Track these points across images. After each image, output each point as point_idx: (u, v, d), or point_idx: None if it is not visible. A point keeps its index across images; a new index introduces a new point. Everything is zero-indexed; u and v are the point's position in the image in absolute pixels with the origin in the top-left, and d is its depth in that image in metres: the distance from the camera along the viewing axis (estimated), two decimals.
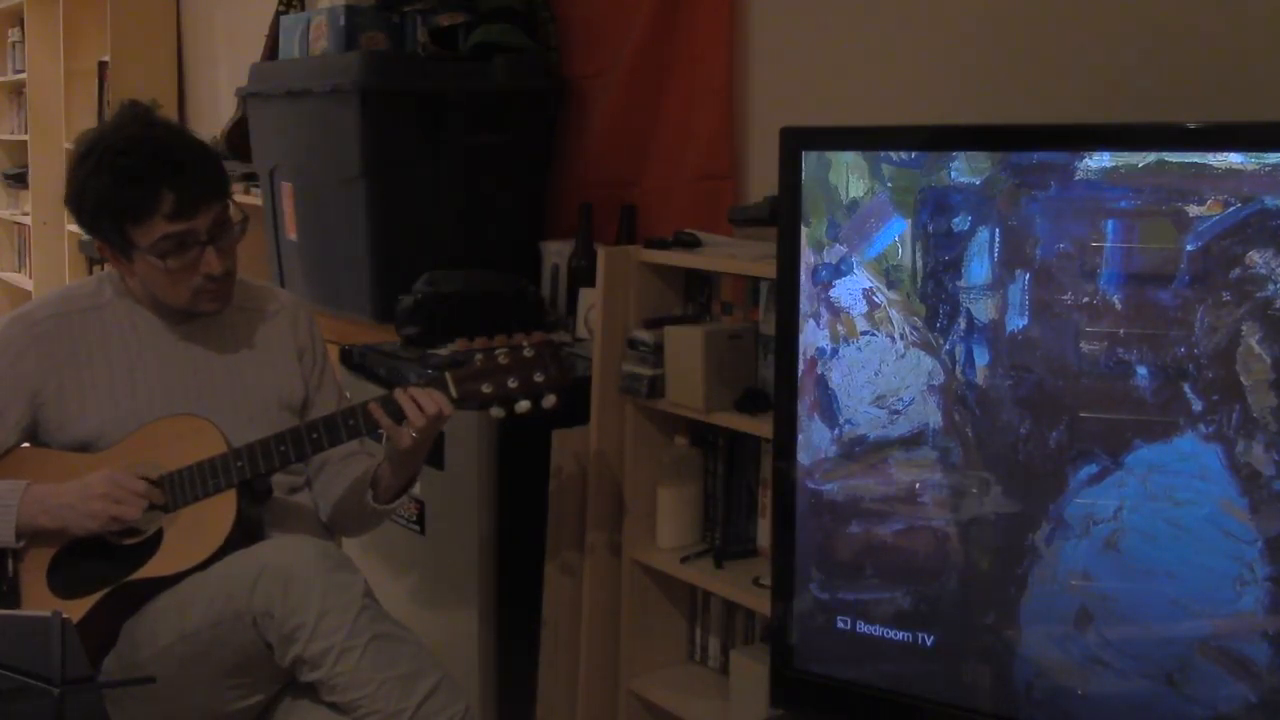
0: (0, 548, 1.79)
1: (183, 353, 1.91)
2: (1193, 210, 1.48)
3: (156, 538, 1.79)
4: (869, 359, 1.72)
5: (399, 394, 1.81)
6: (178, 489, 1.80)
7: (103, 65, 5.26)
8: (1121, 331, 1.54)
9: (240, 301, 1.98)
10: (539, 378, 1.83)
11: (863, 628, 1.77)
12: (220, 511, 1.79)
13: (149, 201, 1.77)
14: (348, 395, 2.12)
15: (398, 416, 1.81)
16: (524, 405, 1.83)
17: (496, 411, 1.84)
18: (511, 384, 1.83)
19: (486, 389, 1.83)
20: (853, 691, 1.79)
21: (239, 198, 3.75)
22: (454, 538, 2.50)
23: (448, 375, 1.83)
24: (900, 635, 1.75)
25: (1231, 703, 1.52)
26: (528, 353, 1.84)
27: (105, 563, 1.78)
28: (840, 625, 1.79)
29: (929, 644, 1.73)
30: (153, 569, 1.77)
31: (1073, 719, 1.63)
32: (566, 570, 2.46)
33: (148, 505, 1.78)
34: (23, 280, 6.26)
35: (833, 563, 1.79)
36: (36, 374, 1.85)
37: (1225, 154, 1.46)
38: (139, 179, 1.77)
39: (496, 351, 1.84)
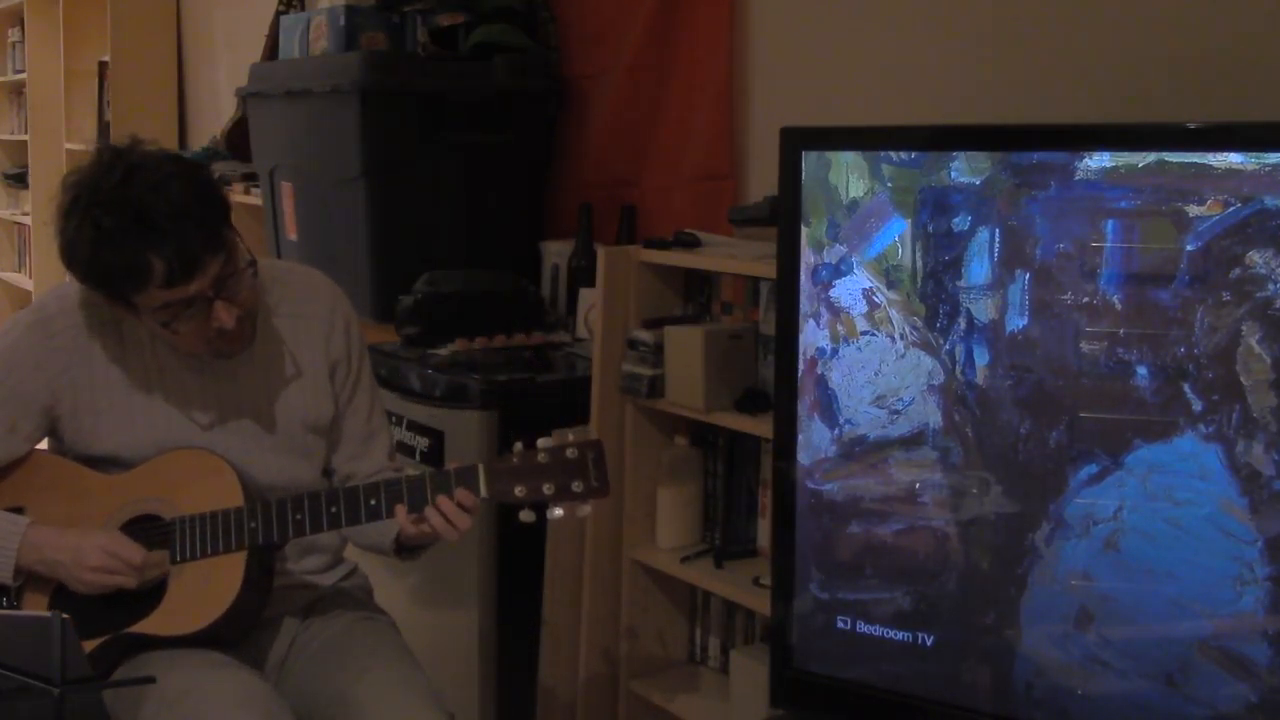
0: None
1: (206, 374, 1.82)
2: (1193, 210, 1.48)
3: (161, 587, 1.74)
4: (869, 359, 1.72)
5: (429, 510, 1.71)
6: (187, 539, 1.74)
7: (103, 65, 5.25)
8: (1121, 331, 1.54)
9: (275, 305, 1.87)
10: (577, 486, 1.69)
11: (863, 628, 1.77)
12: (227, 576, 1.72)
13: (139, 272, 1.62)
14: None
15: (422, 516, 1.73)
16: (557, 513, 1.71)
17: (526, 515, 1.71)
18: (547, 489, 1.69)
19: (519, 491, 1.70)
20: (853, 691, 1.79)
21: (238, 198, 3.77)
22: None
23: (480, 469, 1.72)
24: (900, 635, 1.75)
25: (1231, 703, 1.52)
26: (570, 454, 1.70)
27: (106, 603, 1.72)
28: (840, 625, 1.79)
29: (929, 644, 1.73)
30: (151, 625, 1.72)
31: (1072, 719, 1.63)
32: (566, 570, 2.46)
33: (145, 575, 1.72)
34: (23, 280, 6.25)
35: (833, 563, 1.79)
36: (51, 389, 1.78)
37: (1225, 154, 1.46)
38: (123, 247, 1.61)
39: (539, 450, 1.71)
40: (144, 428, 1.80)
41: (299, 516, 1.73)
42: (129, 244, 1.61)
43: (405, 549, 1.87)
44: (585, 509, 1.73)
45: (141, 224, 1.61)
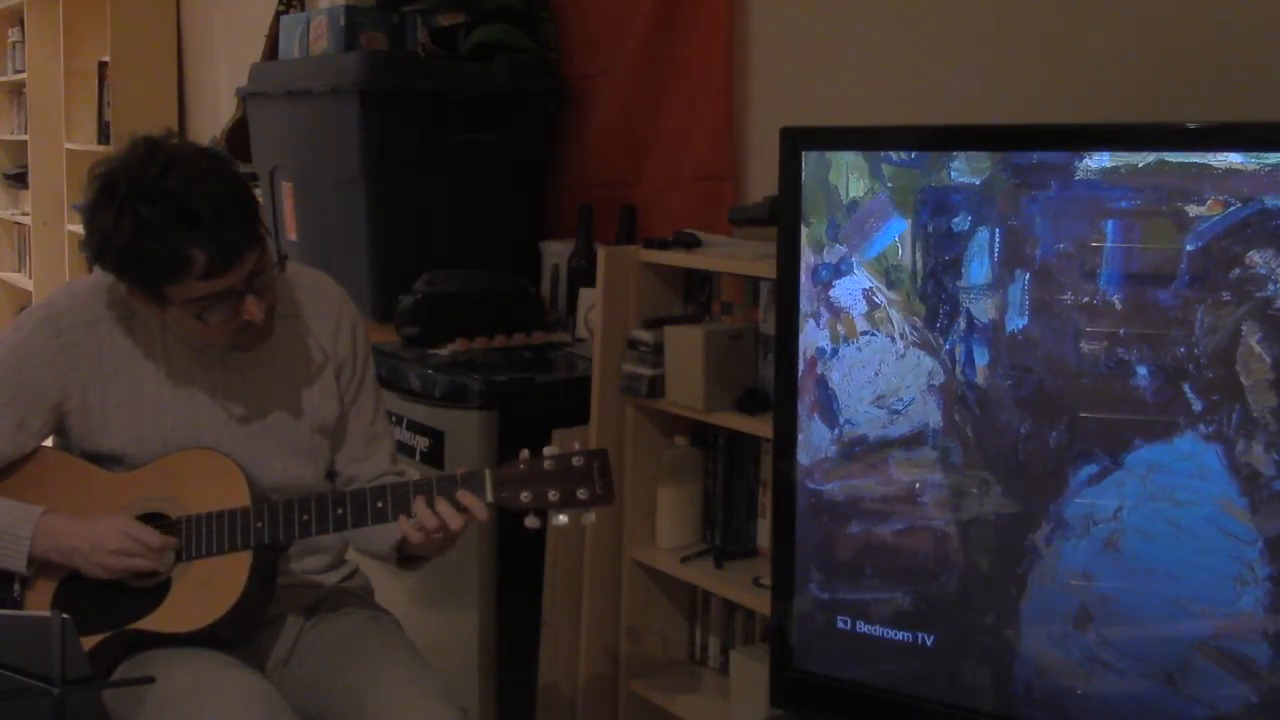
0: (10, 572, 1.76)
1: (215, 373, 1.83)
2: (1193, 210, 1.48)
3: (165, 585, 1.74)
4: (869, 359, 1.72)
5: (421, 506, 1.71)
6: (194, 537, 1.74)
7: (103, 65, 5.25)
8: (1121, 331, 1.54)
9: (283, 305, 1.86)
10: (582, 494, 1.71)
11: (863, 627, 1.77)
12: (232, 574, 1.73)
13: (178, 264, 1.63)
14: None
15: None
16: (561, 520, 1.73)
17: (531, 522, 1.72)
18: (552, 496, 1.71)
19: (525, 497, 1.71)
20: (853, 691, 1.79)
21: None
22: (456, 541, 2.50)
23: (487, 475, 1.73)
24: (900, 635, 1.75)
25: (1231, 703, 1.52)
26: (576, 462, 1.72)
27: (110, 600, 1.73)
28: (840, 625, 1.79)
29: (929, 644, 1.73)
30: (155, 622, 1.72)
31: (1072, 719, 1.63)
32: (566, 570, 2.46)
33: (162, 559, 1.73)
34: (22, 280, 6.25)
35: (833, 563, 1.79)
36: (61, 385, 1.78)
37: (1225, 154, 1.46)
38: (164, 239, 1.62)
39: (545, 456, 1.73)
40: (152, 424, 1.80)
41: (305, 517, 1.74)
42: (171, 236, 1.62)
43: (405, 557, 1.88)
44: (590, 517, 1.74)
45: (184, 216, 1.62)
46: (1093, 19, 1.97)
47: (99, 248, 1.67)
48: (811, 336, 1.77)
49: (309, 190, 3.11)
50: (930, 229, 1.66)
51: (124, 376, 1.80)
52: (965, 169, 1.63)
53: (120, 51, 5.12)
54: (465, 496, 1.72)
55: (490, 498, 1.73)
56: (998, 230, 1.61)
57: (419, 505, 1.71)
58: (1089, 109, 1.94)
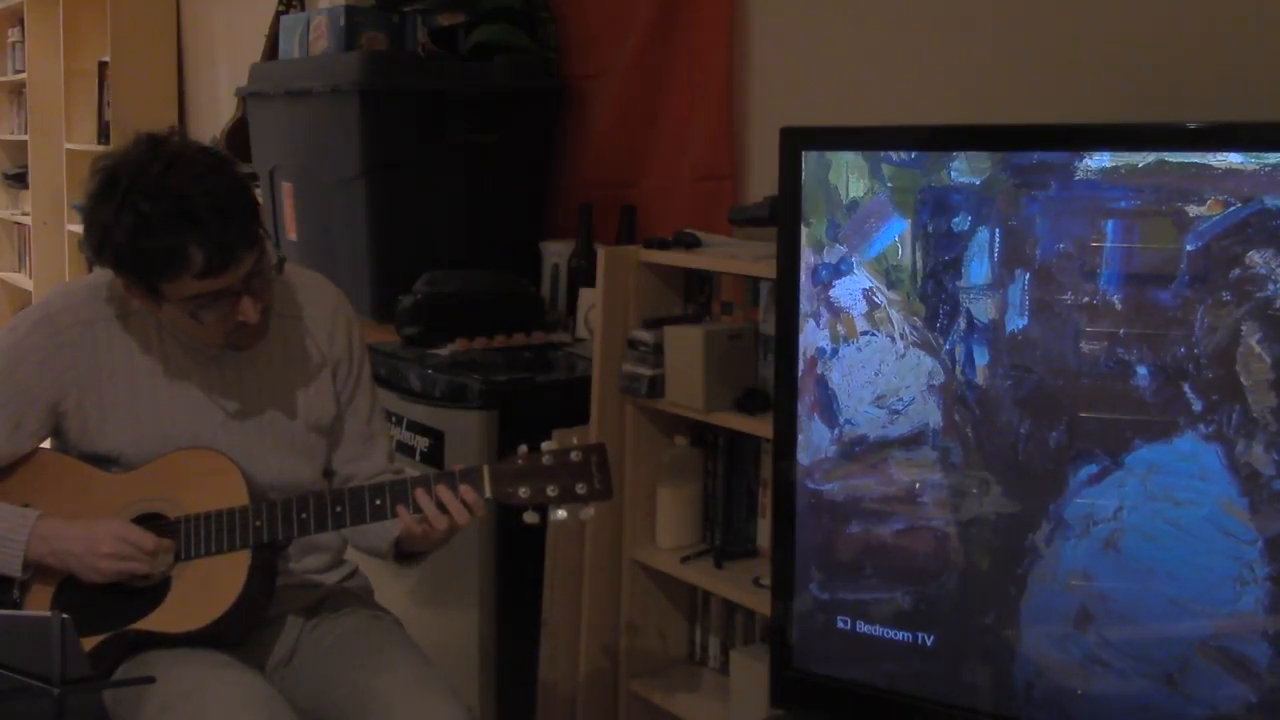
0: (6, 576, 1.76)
1: (211, 371, 1.83)
2: (1193, 210, 1.48)
3: (164, 585, 1.74)
4: (869, 359, 1.72)
5: (422, 496, 1.72)
6: (192, 537, 1.74)
7: (103, 65, 5.26)
8: (1121, 331, 1.54)
9: (280, 305, 1.86)
10: (581, 489, 1.71)
11: (863, 627, 1.77)
12: (231, 574, 1.72)
13: (176, 261, 1.63)
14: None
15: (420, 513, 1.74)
16: (560, 515, 1.73)
17: (530, 517, 1.73)
18: (550, 491, 1.71)
19: (523, 492, 1.71)
20: (853, 691, 1.79)
21: None
22: (454, 537, 2.50)
23: (485, 470, 1.73)
24: (900, 635, 1.75)
25: (1231, 703, 1.52)
26: (575, 457, 1.72)
27: (109, 600, 1.72)
28: (840, 625, 1.79)
29: (929, 644, 1.73)
30: (155, 622, 1.72)
31: (1072, 719, 1.63)
32: (566, 570, 2.46)
33: (157, 561, 1.72)
34: (22, 280, 6.25)
35: (833, 563, 1.79)
36: (57, 385, 1.78)
37: (1225, 154, 1.46)
38: (162, 236, 1.62)
39: (542, 452, 1.73)
40: (149, 424, 1.80)
41: (304, 516, 1.74)
42: (170, 233, 1.63)
43: (403, 554, 1.88)
44: (588, 511, 1.74)
45: (184, 214, 1.63)
46: (1093, 19, 1.97)
47: (98, 242, 1.68)
48: (811, 336, 1.77)
49: (309, 190, 3.11)
50: (930, 229, 1.66)
51: (120, 376, 1.80)
52: (965, 169, 1.63)
53: (120, 51, 5.12)
54: (465, 492, 1.72)
55: (489, 493, 1.73)
56: (998, 230, 1.61)
57: (420, 496, 1.72)
58: (1089, 109, 1.94)
